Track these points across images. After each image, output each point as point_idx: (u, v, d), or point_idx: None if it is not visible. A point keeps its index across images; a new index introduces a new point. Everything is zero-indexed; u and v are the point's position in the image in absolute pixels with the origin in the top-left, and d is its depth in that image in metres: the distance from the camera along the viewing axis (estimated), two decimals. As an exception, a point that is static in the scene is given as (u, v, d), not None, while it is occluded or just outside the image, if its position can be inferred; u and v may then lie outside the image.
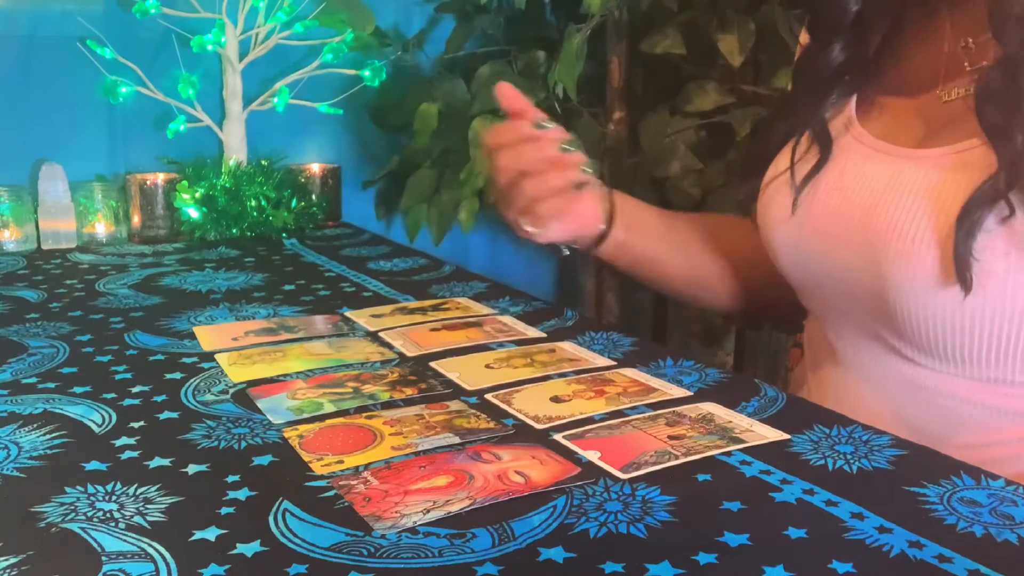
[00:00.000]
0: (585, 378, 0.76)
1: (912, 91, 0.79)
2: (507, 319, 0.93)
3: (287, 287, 1.09)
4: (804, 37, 0.89)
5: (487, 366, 0.79)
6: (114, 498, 0.56)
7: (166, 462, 0.61)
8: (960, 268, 0.67)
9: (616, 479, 0.58)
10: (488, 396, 0.72)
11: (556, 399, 0.71)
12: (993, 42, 0.71)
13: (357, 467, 0.60)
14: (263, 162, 1.46)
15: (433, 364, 0.80)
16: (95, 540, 0.51)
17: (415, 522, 0.53)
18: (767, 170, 0.86)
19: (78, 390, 0.75)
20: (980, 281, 0.67)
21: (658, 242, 0.95)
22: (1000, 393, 0.72)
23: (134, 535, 0.52)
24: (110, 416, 0.69)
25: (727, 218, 1.04)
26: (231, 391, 0.74)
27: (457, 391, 0.74)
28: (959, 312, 0.69)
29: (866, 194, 0.75)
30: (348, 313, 0.96)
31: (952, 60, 0.77)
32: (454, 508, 0.54)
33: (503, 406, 0.70)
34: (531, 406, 0.70)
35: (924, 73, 0.78)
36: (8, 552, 0.50)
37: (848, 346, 0.81)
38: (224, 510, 0.55)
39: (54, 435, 0.66)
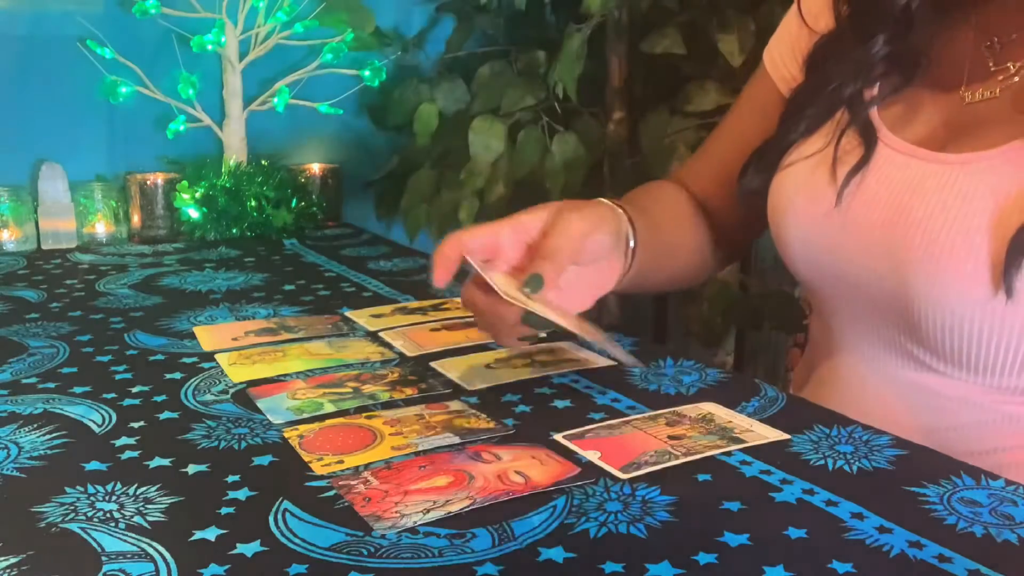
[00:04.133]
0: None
1: (934, 90, 0.76)
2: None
3: (287, 287, 1.09)
4: (795, 22, 0.86)
5: (487, 366, 0.79)
6: (114, 498, 0.56)
7: (166, 462, 0.61)
8: (1008, 279, 0.65)
9: (616, 479, 0.58)
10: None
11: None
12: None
13: (357, 467, 0.60)
14: (263, 162, 1.46)
15: (433, 364, 0.80)
16: (95, 540, 0.51)
17: (415, 522, 0.53)
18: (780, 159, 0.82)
19: (78, 390, 0.75)
20: (1019, 292, 0.66)
21: (656, 257, 0.86)
22: (1019, 402, 0.71)
23: (134, 535, 0.52)
24: (110, 416, 0.69)
25: (666, 190, 1.00)
26: (231, 391, 0.74)
27: (457, 391, 0.74)
28: (990, 323, 0.68)
29: (894, 199, 0.73)
30: (348, 313, 0.96)
31: (976, 59, 0.74)
32: (454, 508, 0.54)
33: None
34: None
35: (946, 72, 0.76)
36: (8, 552, 0.50)
37: (857, 348, 0.79)
38: (224, 510, 0.55)
39: (54, 435, 0.66)
